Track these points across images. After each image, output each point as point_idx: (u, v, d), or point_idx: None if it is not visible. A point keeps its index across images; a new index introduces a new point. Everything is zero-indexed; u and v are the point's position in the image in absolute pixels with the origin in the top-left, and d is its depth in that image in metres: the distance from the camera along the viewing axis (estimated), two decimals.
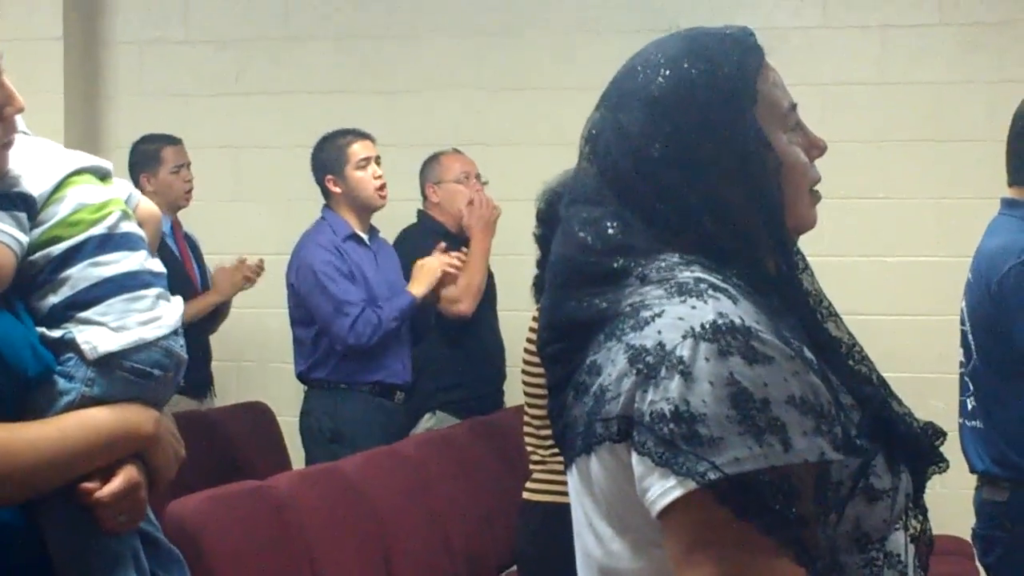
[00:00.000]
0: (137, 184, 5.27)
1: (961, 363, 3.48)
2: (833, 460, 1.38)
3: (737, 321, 1.38)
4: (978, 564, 3.53)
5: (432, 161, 5.49)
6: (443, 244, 5.14)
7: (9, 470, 1.72)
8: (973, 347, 3.39)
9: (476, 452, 5.04)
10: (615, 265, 1.49)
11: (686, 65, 1.53)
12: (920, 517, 1.52)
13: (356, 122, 5.22)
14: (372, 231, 5.17)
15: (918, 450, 1.51)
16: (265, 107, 6.19)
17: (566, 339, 1.52)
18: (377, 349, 4.92)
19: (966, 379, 3.46)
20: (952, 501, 1.80)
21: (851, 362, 1.55)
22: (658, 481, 1.36)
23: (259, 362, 5.96)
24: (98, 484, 1.79)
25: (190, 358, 1.96)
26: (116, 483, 1.80)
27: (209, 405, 5.54)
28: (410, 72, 6.14)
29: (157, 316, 1.89)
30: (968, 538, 3.53)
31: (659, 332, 1.40)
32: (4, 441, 1.72)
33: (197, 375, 5.27)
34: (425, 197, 5.47)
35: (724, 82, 1.53)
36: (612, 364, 1.43)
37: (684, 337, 1.38)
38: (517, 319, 5.03)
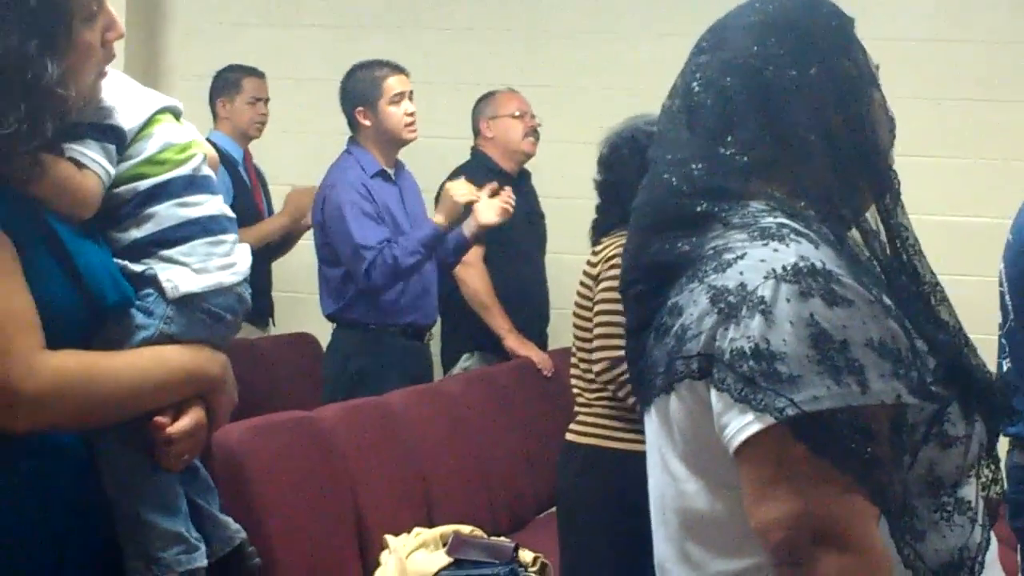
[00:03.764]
0: (214, 107, 5.48)
1: (999, 325, 3.42)
2: (909, 404, 1.41)
3: (818, 264, 1.41)
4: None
5: (487, 97, 5.47)
6: (495, 184, 4.96)
7: (88, 394, 1.74)
8: (1010, 308, 3.33)
9: (519, 392, 5.06)
10: (699, 209, 1.52)
11: (789, 2, 1.59)
12: (993, 467, 1.54)
13: (402, 59, 5.02)
14: (398, 165, 4.97)
15: (992, 400, 1.53)
16: (316, 40, 6.19)
17: (649, 281, 1.56)
18: (411, 287, 4.75)
19: (1003, 341, 3.40)
20: None
21: (932, 301, 1.57)
22: (737, 416, 1.41)
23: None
24: (169, 420, 1.82)
25: (253, 285, 1.98)
26: (186, 421, 1.83)
27: (269, 333, 5.62)
28: (465, 11, 6.13)
29: (234, 262, 1.92)
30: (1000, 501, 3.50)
31: (741, 273, 1.43)
32: (86, 366, 1.74)
33: (259, 303, 5.24)
34: (478, 133, 5.42)
35: (830, 16, 1.58)
36: (694, 304, 1.47)
37: (766, 278, 1.41)
38: (566, 261, 4.98)
